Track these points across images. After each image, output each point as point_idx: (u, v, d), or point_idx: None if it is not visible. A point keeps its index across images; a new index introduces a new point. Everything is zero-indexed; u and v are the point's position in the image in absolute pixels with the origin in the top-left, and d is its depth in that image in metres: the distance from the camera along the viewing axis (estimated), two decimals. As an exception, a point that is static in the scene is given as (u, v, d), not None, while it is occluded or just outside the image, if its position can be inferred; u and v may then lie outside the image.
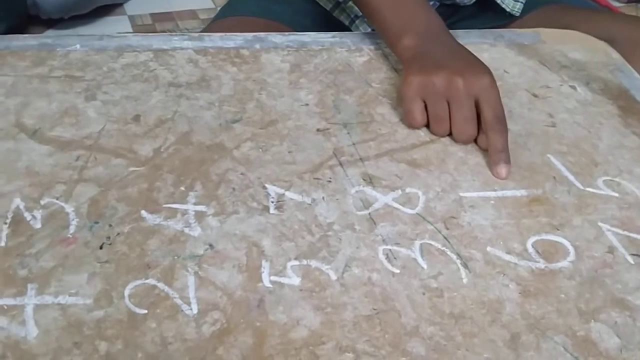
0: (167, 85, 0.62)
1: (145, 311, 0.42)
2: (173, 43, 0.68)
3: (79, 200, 0.49)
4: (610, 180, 0.56)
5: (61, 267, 0.44)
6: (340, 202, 0.51)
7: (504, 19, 0.84)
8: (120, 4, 1.90)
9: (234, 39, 0.70)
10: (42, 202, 0.49)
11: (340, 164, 0.55)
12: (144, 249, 0.46)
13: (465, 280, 0.46)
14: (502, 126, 0.56)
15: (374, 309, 0.43)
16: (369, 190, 0.53)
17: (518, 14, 0.84)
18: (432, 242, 0.48)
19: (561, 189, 0.54)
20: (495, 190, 0.54)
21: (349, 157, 0.56)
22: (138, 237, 0.47)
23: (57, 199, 0.49)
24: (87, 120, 0.57)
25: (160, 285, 0.44)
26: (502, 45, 0.74)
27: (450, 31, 0.65)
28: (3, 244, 0.45)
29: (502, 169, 0.55)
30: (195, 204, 0.50)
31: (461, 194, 0.53)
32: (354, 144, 0.57)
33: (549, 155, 0.58)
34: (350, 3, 0.82)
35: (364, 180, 0.54)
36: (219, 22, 0.82)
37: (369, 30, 0.80)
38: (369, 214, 0.50)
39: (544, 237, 0.50)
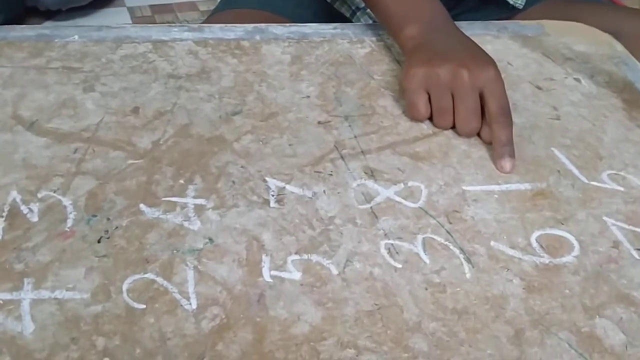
0: (166, 76, 0.61)
1: (144, 306, 0.41)
2: (172, 34, 0.67)
3: (77, 193, 0.49)
4: (615, 174, 0.55)
5: (58, 261, 0.44)
6: (342, 195, 0.51)
7: (507, 12, 0.83)
8: (119, -5, 1.89)
9: (234, 30, 0.69)
10: (39, 195, 0.48)
11: (342, 157, 0.54)
12: (142, 242, 0.45)
13: (468, 275, 0.45)
14: (507, 119, 0.55)
15: (376, 304, 0.43)
16: (370, 183, 0.52)
17: (521, 7, 0.83)
18: (435, 237, 0.48)
19: (565, 183, 0.54)
20: (499, 184, 0.53)
21: (350, 150, 0.55)
22: (136, 230, 0.46)
23: (54, 191, 0.48)
24: (85, 112, 0.56)
25: (159, 279, 0.43)
26: (506, 37, 0.73)
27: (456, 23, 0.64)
28: (-1, 237, 0.45)
29: (507, 163, 0.54)
30: (194, 197, 0.49)
31: (464, 188, 0.52)
32: (355, 136, 0.56)
33: (553, 149, 0.57)
34: (352, -5, 0.81)
35: (365, 173, 0.53)
36: (219, 14, 0.81)
37: (370, 22, 0.79)
38: (371, 207, 0.50)
39: (548, 231, 0.49)
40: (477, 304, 0.43)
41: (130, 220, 0.47)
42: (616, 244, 0.49)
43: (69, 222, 0.46)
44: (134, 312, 0.41)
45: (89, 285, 0.42)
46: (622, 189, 0.54)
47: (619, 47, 0.73)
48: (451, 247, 0.47)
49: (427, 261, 0.46)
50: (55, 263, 0.43)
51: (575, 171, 0.55)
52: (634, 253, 0.48)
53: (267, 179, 0.51)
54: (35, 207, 0.47)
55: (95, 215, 0.47)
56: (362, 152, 0.55)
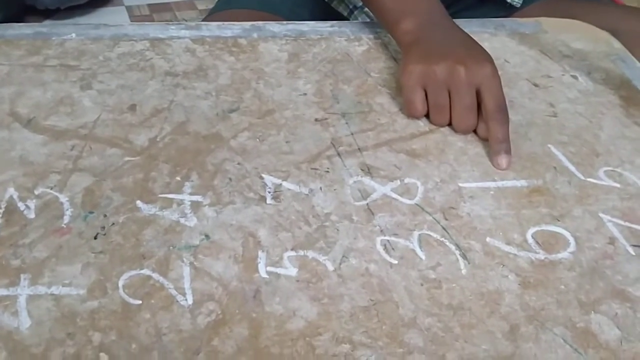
0: (163, 74, 0.61)
1: (140, 302, 0.41)
2: (170, 32, 0.67)
3: (74, 190, 0.49)
4: (612, 170, 0.55)
5: (55, 257, 0.44)
6: (338, 192, 0.51)
7: (505, 10, 0.84)
8: (118, -6, 1.90)
9: (232, 28, 0.69)
10: (36, 192, 0.48)
11: (338, 154, 0.54)
12: (139, 239, 0.45)
13: (464, 271, 0.45)
14: (503, 116, 0.56)
15: (372, 300, 0.43)
16: (367, 180, 0.52)
17: (519, 5, 0.83)
18: (431, 233, 0.48)
19: (562, 180, 0.54)
20: (495, 181, 0.53)
21: (347, 147, 0.55)
22: (133, 227, 0.46)
23: (51, 188, 0.49)
24: (83, 109, 0.56)
25: (155, 275, 0.43)
26: (503, 34, 0.73)
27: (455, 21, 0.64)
28: (-4, 234, 0.45)
29: (503, 160, 0.54)
30: (191, 194, 0.49)
31: (460, 185, 0.52)
32: (352, 133, 0.57)
33: (549, 146, 0.57)
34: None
35: (362, 170, 0.53)
36: (217, 14, 0.82)
37: (368, 20, 0.79)
38: (367, 204, 0.50)
39: (544, 227, 0.49)
40: (473, 300, 0.43)
41: (126, 216, 0.47)
42: (612, 240, 0.49)
43: (66, 219, 0.46)
44: (130, 307, 0.41)
45: (85, 281, 0.42)
46: (618, 185, 0.54)
47: (617, 44, 0.73)
48: (447, 243, 0.47)
49: (423, 257, 0.46)
50: (52, 259, 0.44)
51: (572, 168, 0.55)
52: (630, 249, 0.48)
53: (263, 175, 0.52)
54: (32, 203, 0.47)
55: (91, 212, 0.47)
56: (358, 149, 0.55)
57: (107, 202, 0.48)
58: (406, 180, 0.52)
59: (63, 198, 0.48)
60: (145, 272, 0.43)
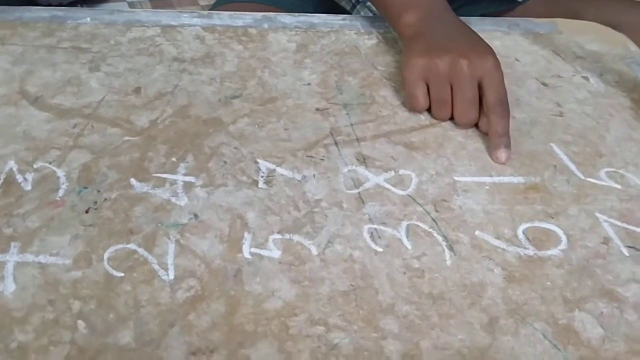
0: (171, 59, 0.62)
1: (122, 274, 0.42)
2: (182, 20, 0.68)
3: (71, 165, 0.50)
4: (614, 171, 0.54)
5: (46, 227, 0.45)
6: (331, 180, 0.51)
7: (506, 4, 0.82)
8: (120, -10, 1.92)
9: (243, 18, 0.70)
10: (35, 166, 0.49)
11: (336, 143, 0.54)
12: (128, 215, 0.46)
13: (449, 262, 0.45)
14: (504, 110, 0.55)
15: (352, 285, 0.43)
16: (361, 170, 0.52)
17: (521, 0, 0.82)
18: (420, 224, 0.48)
19: (561, 178, 0.53)
20: (491, 176, 0.53)
21: (345, 137, 0.55)
22: (124, 203, 0.47)
23: (50, 163, 0.50)
24: (89, 90, 0.58)
25: (141, 250, 0.44)
26: (517, 33, 0.72)
27: (463, 18, 0.64)
28: (-7, 203, 0.46)
29: (502, 153, 0.54)
30: (185, 174, 0.50)
31: (456, 178, 0.52)
32: (352, 124, 0.57)
33: (552, 144, 0.56)
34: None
35: (357, 160, 0.53)
36: (218, 8, 0.82)
37: (371, 14, 0.78)
38: (359, 193, 0.50)
39: (537, 224, 0.49)
40: (454, 290, 0.43)
41: (119, 193, 0.48)
42: (606, 240, 0.48)
43: (61, 192, 0.48)
44: (112, 279, 0.42)
45: (72, 252, 0.43)
46: (619, 186, 0.53)
47: (633, 47, 0.71)
48: (435, 234, 0.47)
49: (409, 247, 0.46)
50: (43, 229, 0.45)
51: (572, 167, 0.54)
52: (624, 250, 0.47)
53: (258, 160, 0.52)
54: (30, 176, 0.49)
55: (86, 187, 0.48)
56: (356, 139, 0.55)
57: (102, 179, 0.49)
58: (401, 172, 0.52)
59: (60, 173, 0.49)
60: (131, 246, 0.44)
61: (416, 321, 0.41)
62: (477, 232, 0.47)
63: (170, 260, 0.43)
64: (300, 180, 0.50)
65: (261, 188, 0.49)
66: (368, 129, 0.56)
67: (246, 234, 0.46)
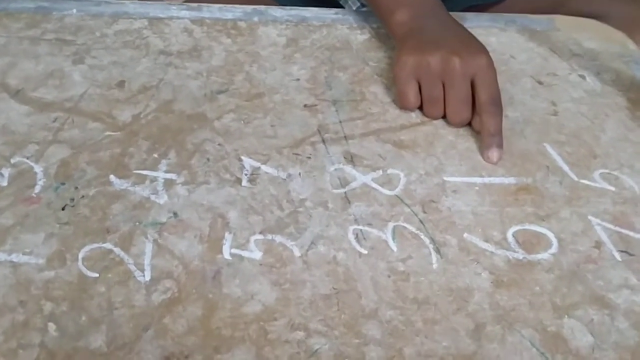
0: (157, 53, 0.61)
1: (97, 275, 0.41)
2: (170, 12, 0.67)
3: (49, 161, 0.48)
4: (608, 173, 0.53)
5: (20, 225, 0.43)
6: (317, 179, 0.49)
7: None
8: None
9: (233, 11, 0.68)
10: (12, 161, 0.48)
11: (323, 141, 0.53)
12: (106, 213, 0.45)
13: (435, 266, 0.44)
14: (496, 108, 0.54)
15: (334, 289, 0.41)
16: (348, 168, 0.51)
17: None
18: (406, 225, 0.46)
19: (553, 179, 0.51)
20: (482, 177, 0.51)
21: (333, 135, 0.54)
22: (102, 200, 0.46)
23: (27, 158, 0.48)
24: (71, 83, 0.56)
25: (117, 250, 0.42)
26: (513, 30, 0.71)
27: (459, 14, 0.62)
28: (-33, 199, 0.45)
29: (494, 153, 0.52)
30: (166, 171, 0.49)
31: (445, 178, 0.51)
32: (340, 121, 0.55)
33: (545, 144, 0.55)
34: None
35: (345, 158, 0.51)
36: None
37: (358, 4, 0.76)
38: (345, 192, 0.48)
39: (527, 227, 0.47)
40: (440, 295, 0.42)
41: (97, 190, 0.46)
42: (598, 244, 0.46)
43: (37, 189, 0.46)
44: (86, 280, 0.40)
45: (46, 251, 0.42)
46: (613, 188, 0.51)
47: (632, 45, 0.70)
48: (422, 236, 0.46)
49: (395, 249, 0.44)
50: (17, 227, 0.43)
51: (566, 168, 0.53)
52: (616, 254, 0.46)
53: (242, 158, 0.51)
54: (6, 172, 0.47)
55: (63, 184, 0.47)
56: (344, 137, 0.54)
57: (80, 175, 0.48)
58: (389, 171, 0.51)
59: (38, 168, 0.48)
60: (107, 246, 0.43)
61: (400, 327, 0.40)
62: (465, 235, 0.46)
63: (147, 260, 0.42)
64: (285, 179, 0.49)
65: (244, 186, 0.48)
66: (357, 127, 0.55)
67: (227, 234, 0.44)
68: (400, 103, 0.57)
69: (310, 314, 0.40)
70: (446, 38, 0.56)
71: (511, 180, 0.51)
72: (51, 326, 0.38)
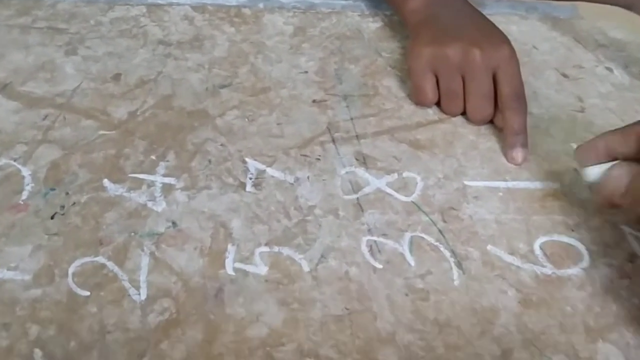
0: (155, 43, 0.57)
1: (88, 293, 0.37)
2: (170, -2, 0.63)
3: (39, 163, 0.45)
4: (641, 176, 0.49)
5: (5, 237, 0.40)
6: (327, 183, 0.46)
7: None
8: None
9: (236, -3, 0.64)
10: (-2, 163, 0.44)
11: (333, 141, 0.49)
12: (99, 222, 0.41)
13: (456, 282, 0.40)
14: (520, 104, 0.50)
15: (347, 309, 0.38)
16: (361, 171, 0.47)
17: None
18: (425, 236, 0.43)
19: (581, 184, 0.48)
20: (505, 181, 0.47)
21: (343, 134, 0.50)
22: (95, 208, 0.42)
23: (15, 160, 0.45)
24: (63, 76, 0.52)
25: (110, 264, 0.39)
26: (535, 18, 0.66)
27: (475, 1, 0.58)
28: (-52, 206, 0.41)
29: (519, 153, 0.48)
30: (164, 175, 0.45)
31: (466, 183, 0.47)
32: (351, 118, 0.51)
33: (572, 144, 0.51)
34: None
35: (357, 160, 0.48)
36: None
37: None
38: (357, 198, 0.45)
39: (555, 238, 0.43)
40: (463, 317, 0.38)
41: (90, 196, 0.43)
42: (632, 257, 0.43)
43: (24, 195, 0.43)
44: (76, 299, 0.37)
45: (33, 266, 0.38)
46: (646, 194, 0.47)
47: (661, 35, 0.66)
48: (442, 248, 0.42)
49: (412, 263, 0.41)
50: (2, 238, 0.40)
51: (595, 171, 0.49)
52: (653, 269, 0.42)
53: (247, 159, 0.47)
54: (-9, 175, 0.44)
55: (53, 189, 0.43)
56: (356, 136, 0.50)
57: (71, 179, 0.44)
58: (405, 174, 0.47)
59: (26, 172, 0.44)
60: (100, 259, 0.39)
61: (419, 353, 0.36)
62: (489, 247, 0.42)
63: (142, 276, 0.38)
64: (292, 183, 0.45)
65: (249, 192, 0.44)
66: (369, 124, 0.51)
67: (230, 246, 0.41)
68: (416, 98, 0.53)
69: (321, 338, 0.36)
70: (465, 27, 0.52)
71: (537, 184, 0.47)
72: (37, 353, 0.34)
